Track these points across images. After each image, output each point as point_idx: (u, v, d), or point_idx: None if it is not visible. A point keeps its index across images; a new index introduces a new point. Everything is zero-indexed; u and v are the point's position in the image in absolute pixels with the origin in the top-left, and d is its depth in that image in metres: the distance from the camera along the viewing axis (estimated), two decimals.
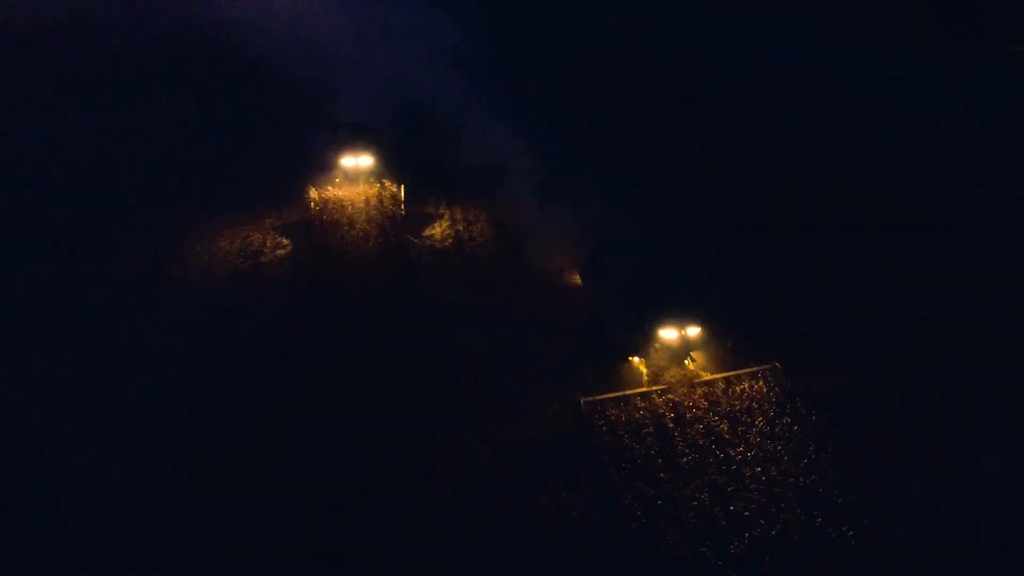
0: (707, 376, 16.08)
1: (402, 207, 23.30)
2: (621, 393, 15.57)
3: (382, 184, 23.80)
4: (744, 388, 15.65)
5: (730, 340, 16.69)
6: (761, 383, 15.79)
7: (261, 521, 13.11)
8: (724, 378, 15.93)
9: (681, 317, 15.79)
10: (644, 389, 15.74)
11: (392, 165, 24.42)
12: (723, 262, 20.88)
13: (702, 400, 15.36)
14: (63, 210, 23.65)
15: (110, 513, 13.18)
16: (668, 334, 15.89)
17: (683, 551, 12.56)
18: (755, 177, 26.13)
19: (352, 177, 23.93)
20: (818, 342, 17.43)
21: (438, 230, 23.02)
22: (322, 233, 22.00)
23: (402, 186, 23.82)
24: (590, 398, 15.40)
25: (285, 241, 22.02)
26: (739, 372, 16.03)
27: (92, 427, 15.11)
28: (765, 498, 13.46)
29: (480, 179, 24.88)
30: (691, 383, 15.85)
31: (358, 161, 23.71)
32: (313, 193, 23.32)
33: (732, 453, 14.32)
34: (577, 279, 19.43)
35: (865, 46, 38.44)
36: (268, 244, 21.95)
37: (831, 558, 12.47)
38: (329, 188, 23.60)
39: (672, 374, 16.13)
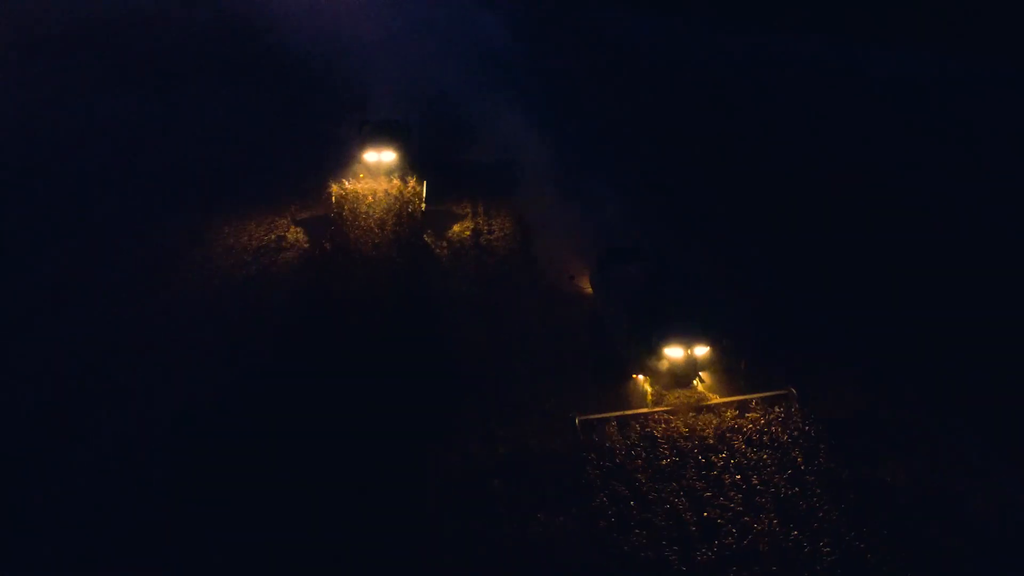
0: (716, 399, 14.91)
1: (422, 205, 22.82)
2: (620, 413, 14.54)
3: (404, 181, 23.37)
4: (755, 415, 14.43)
5: (744, 361, 15.46)
6: (775, 410, 14.53)
7: (237, 521, 12.81)
8: (734, 403, 14.73)
9: (689, 335, 14.68)
10: (645, 410, 14.68)
11: (415, 162, 24.02)
12: (742, 276, 19.64)
13: (708, 427, 14.20)
14: (97, 193, 24.20)
15: (110, 504, 13.09)
16: (674, 352, 14.80)
17: (648, 553, 11.83)
18: (784, 186, 24.84)
19: (375, 173, 23.60)
20: (839, 366, 16.08)
21: (456, 229, 22.50)
22: (338, 228, 21.73)
23: (424, 183, 23.35)
24: (585, 416, 14.47)
25: (303, 234, 21.87)
26: (751, 396, 14.81)
27: (98, 410, 15.22)
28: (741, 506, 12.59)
29: (504, 178, 24.30)
30: (698, 406, 14.72)
31: (380, 157, 23.39)
32: (335, 187, 23.06)
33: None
34: (588, 286, 18.50)
35: (890, 44, 36.94)
36: (287, 236, 21.87)
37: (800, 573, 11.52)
38: (350, 183, 23.30)
39: (678, 395, 15.03)
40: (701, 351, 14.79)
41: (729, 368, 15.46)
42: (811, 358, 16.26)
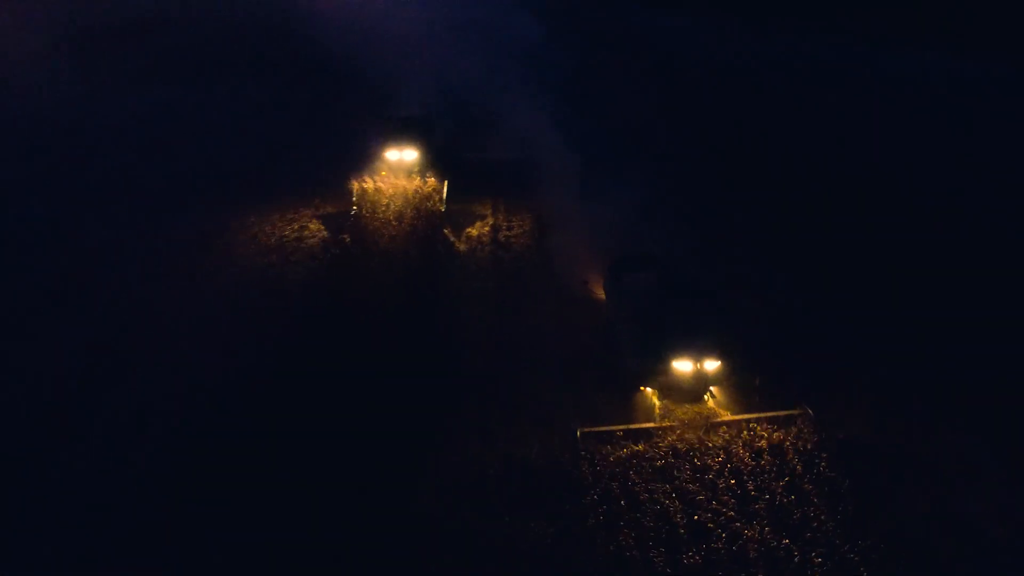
0: (726, 416, 14.28)
1: (442, 203, 22.55)
2: (624, 427, 14.03)
3: (425, 179, 23.14)
4: (765, 435, 13.71)
5: (757, 377, 14.73)
6: (789, 431, 13.79)
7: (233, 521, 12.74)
8: (744, 421, 14.06)
9: (699, 349, 14.06)
10: (651, 425, 14.14)
11: (438, 159, 23.75)
12: (760, 286, 18.88)
13: (715, 448, 13.54)
14: (132, 183, 24.53)
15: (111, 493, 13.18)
16: (683, 366, 14.18)
17: (634, 553, 11.62)
18: (810, 194, 24.03)
19: (397, 170, 23.41)
20: (856, 381, 15.27)
21: (475, 229, 22.15)
22: (357, 225, 21.62)
23: (445, 182, 23.06)
24: (588, 429, 13.98)
25: (324, 228, 21.76)
26: (762, 415, 14.10)
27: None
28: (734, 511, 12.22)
29: (528, 178, 23.81)
30: (706, 424, 14.08)
31: (402, 155, 23.18)
32: (356, 184, 22.95)
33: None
34: (603, 292, 17.95)
35: (924, 49, 35.66)
36: (308, 228, 21.83)
37: None
38: (372, 179, 23.16)
39: (686, 411, 14.42)
40: (711, 365, 14.16)
41: (742, 384, 14.80)
42: (827, 373, 15.52)
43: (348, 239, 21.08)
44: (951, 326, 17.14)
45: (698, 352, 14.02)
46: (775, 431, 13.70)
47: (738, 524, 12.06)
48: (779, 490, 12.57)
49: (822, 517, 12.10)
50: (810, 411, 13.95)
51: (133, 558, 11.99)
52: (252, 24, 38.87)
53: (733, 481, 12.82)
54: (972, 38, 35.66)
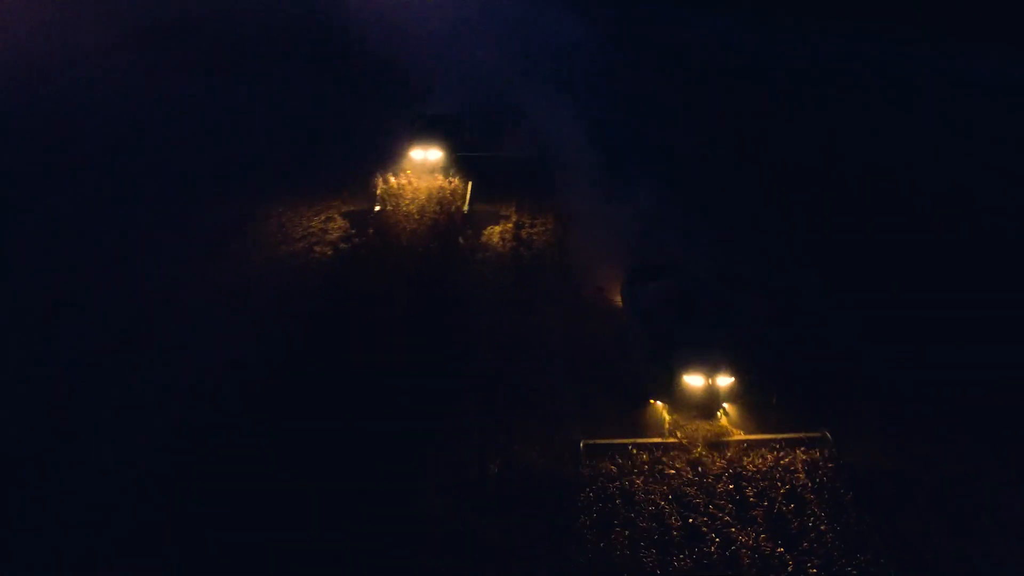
0: (738, 436, 13.54)
1: (465, 205, 22.25)
2: (629, 441, 13.42)
3: (449, 178, 22.88)
4: (778, 457, 12.94)
5: (774, 395, 13.95)
6: (804, 455, 12.98)
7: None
8: (757, 441, 13.32)
9: (711, 363, 13.37)
10: (658, 440, 13.50)
11: (464, 158, 23.46)
12: (787, 299, 17.99)
13: (723, 468, 12.84)
14: (179, 165, 25.36)
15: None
16: (694, 380, 13.51)
17: (624, 553, 11.47)
18: (850, 203, 22.94)
19: (422, 169, 23.21)
20: (879, 404, 14.37)
21: (496, 231, 21.76)
22: (378, 223, 21.52)
23: (469, 183, 22.77)
24: (591, 441, 13.43)
25: (347, 225, 21.72)
26: (779, 436, 13.33)
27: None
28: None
29: (556, 181, 23.41)
30: (716, 442, 13.38)
31: (427, 155, 22.96)
32: (380, 182, 22.82)
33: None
34: (620, 300, 17.35)
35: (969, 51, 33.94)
36: (330, 226, 21.79)
37: None
38: (397, 177, 23.01)
39: (696, 427, 13.73)
40: (724, 381, 13.45)
41: (758, 402, 14.04)
42: (850, 394, 14.65)
43: (371, 232, 21.06)
44: (991, 345, 16.08)
45: (710, 367, 13.34)
46: (788, 454, 12.94)
47: (733, 530, 11.68)
48: (779, 498, 12.11)
49: (822, 527, 11.66)
50: (829, 435, 13.14)
51: (133, 558, 11.89)
52: (300, 22, 39.37)
53: (732, 486, 12.37)
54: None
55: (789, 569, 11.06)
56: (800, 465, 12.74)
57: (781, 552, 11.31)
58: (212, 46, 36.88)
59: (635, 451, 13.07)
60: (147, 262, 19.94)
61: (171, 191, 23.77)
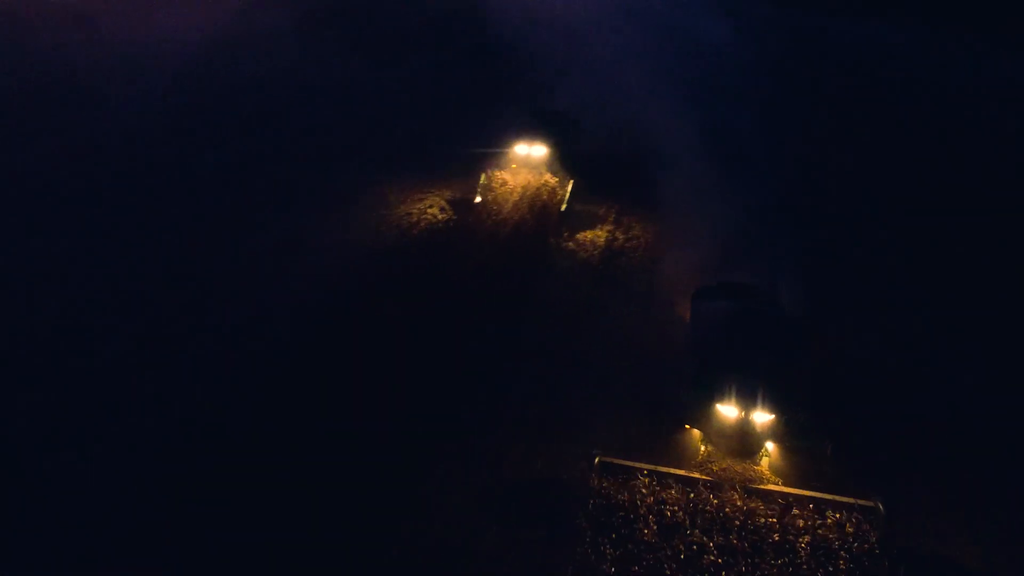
0: (773, 485, 11.87)
1: (563, 204, 21.67)
2: (649, 466, 12.25)
3: (551, 176, 22.44)
4: (813, 522, 11.12)
5: (829, 445, 12.03)
6: (846, 524, 11.07)
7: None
8: (794, 496, 11.58)
9: (750, 394, 11.79)
10: (682, 472, 12.20)
11: (571, 157, 22.86)
12: (878, 340, 15.69)
13: (744, 517, 11.28)
14: (321, 135, 27.26)
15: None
16: (727, 411, 12.00)
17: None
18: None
19: (526, 164, 22.93)
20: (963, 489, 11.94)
21: (590, 235, 21.00)
22: (478, 211, 21.62)
23: (571, 182, 22.15)
24: (608, 459, 12.40)
25: (448, 209, 22.09)
26: (819, 495, 11.50)
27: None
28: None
29: (663, 188, 22.09)
30: (747, 485, 11.80)
31: (531, 150, 22.63)
32: (484, 174, 22.84)
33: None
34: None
35: None
36: (433, 208, 22.21)
37: None
38: (500, 171, 22.90)
39: (729, 465, 12.21)
40: (763, 418, 11.82)
41: (809, 449, 12.20)
42: (921, 461, 12.35)
43: (470, 219, 21.26)
44: None
45: (748, 399, 11.79)
46: (828, 518, 11.09)
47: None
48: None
49: None
50: (880, 506, 11.07)
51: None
52: (455, 15, 40.63)
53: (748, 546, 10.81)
54: None
55: None
56: (835, 534, 10.87)
57: None
58: (365, 30, 39.16)
59: (647, 478, 11.86)
60: (277, 212, 21.67)
61: (304, 159, 25.51)
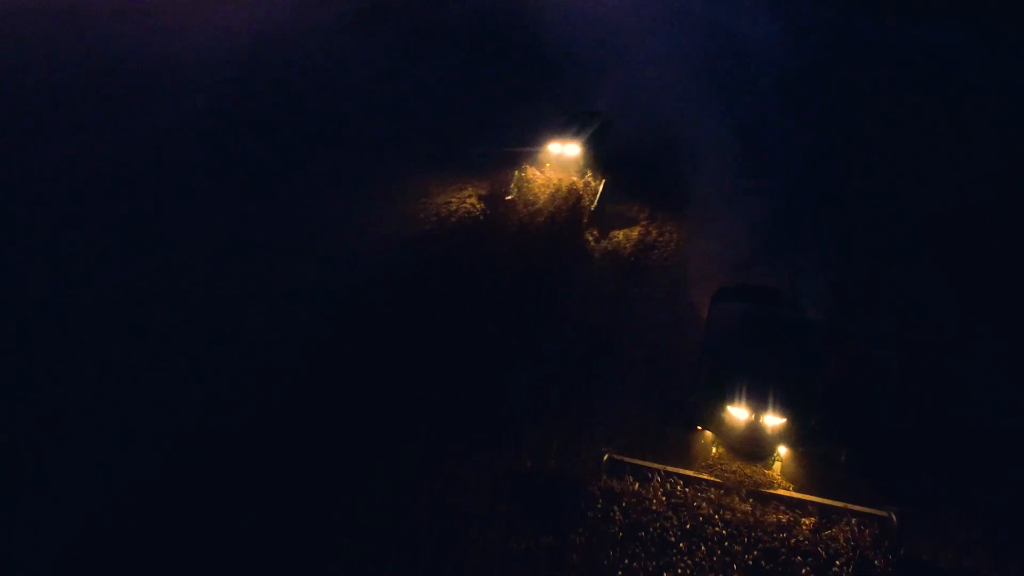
0: (783, 491, 11.67)
1: (593, 204, 21.67)
2: (657, 465, 12.16)
3: (583, 176, 22.44)
4: (821, 530, 10.91)
5: (843, 450, 11.79)
6: (855, 533, 10.83)
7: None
8: (803, 503, 11.37)
9: (761, 396, 11.64)
10: (690, 472, 12.09)
11: (604, 157, 22.85)
12: (903, 347, 15.23)
13: (751, 523, 11.13)
14: (364, 124, 28.06)
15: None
16: (738, 413, 11.88)
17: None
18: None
19: (558, 163, 22.97)
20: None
21: (621, 234, 20.98)
22: (510, 207, 21.77)
23: (602, 182, 22.14)
24: (618, 456, 12.39)
25: (481, 204, 22.21)
26: (829, 502, 11.26)
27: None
28: None
29: (697, 191, 21.90)
30: (756, 490, 11.65)
31: (564, 149, 22.66)
32: (517, 172, 22.97)
33: None
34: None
35: None
36: (467, 202, 22.40)
37: None
38: (532, 170, 22.98)
39: (739, 468, 12.07)
40: (773, 421, 11.66)
41: (823, 455, 11.98)
42: (939, 469, 11.98)
43: (503, 213, 21.47)
44: None
45: (758, 401, 11.64)
46: (837, 528, 10.87)
47: None
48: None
49: None
50: (894, 516, 10.80)
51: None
52: (500, 14, 40.97)
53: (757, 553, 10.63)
54: None
55: None
56: (843, 544, 10.66)
57: None
58: (413, 26, 39.80)
59: (652, 476, 11.82)
60: (320, 195, 22.37)
61: (350, 146, 26.27)
